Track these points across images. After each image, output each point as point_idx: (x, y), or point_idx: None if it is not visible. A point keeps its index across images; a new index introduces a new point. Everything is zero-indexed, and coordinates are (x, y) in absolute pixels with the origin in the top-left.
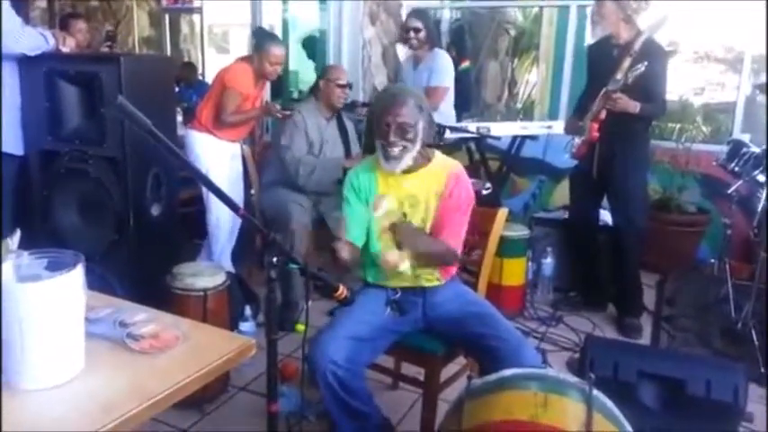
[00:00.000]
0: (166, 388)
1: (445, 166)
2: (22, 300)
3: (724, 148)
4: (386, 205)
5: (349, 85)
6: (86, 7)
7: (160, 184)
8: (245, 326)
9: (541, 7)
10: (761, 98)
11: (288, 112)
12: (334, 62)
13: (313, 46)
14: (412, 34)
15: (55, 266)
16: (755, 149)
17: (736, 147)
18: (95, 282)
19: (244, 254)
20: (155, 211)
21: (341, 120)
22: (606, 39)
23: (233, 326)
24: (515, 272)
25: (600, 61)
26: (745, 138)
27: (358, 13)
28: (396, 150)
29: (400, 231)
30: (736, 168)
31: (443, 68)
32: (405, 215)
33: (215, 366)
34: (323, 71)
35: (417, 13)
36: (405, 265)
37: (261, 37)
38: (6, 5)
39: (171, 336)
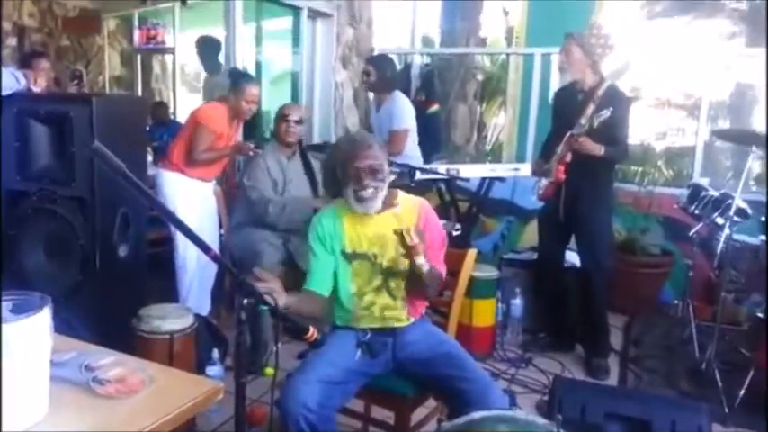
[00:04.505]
0: None
1: (413, 205)
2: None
3: (685, 192)
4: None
5: (301, 121)
6: (57, 47)
7: (128, 224)
8: (213, 369)
9: (508, 54)
10: (719, 143)
11: (260, 151)
12: (307, 103)
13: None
14: (364, 77)
15: (21, 309)
16: (714, 193)
17: (696, 190)
18: (60, 323)
19: (213, 295)
20: (122, 251)
21: (306, 158)
22: (571, 85)
23: (200, 369)
24: (485, 313)
25: (565, 106)
26: (705, 182)
27: (330, 56)
28: (369, 192)
29: (423, 239)
30: (697, 211)
31: (401, 110)
32: (374, 256)
33: (182, 411)
34: (278, 111)
35: (371, 58)
36: (422, 259)
37: (236, 77)
38: None
39: (137, 380)
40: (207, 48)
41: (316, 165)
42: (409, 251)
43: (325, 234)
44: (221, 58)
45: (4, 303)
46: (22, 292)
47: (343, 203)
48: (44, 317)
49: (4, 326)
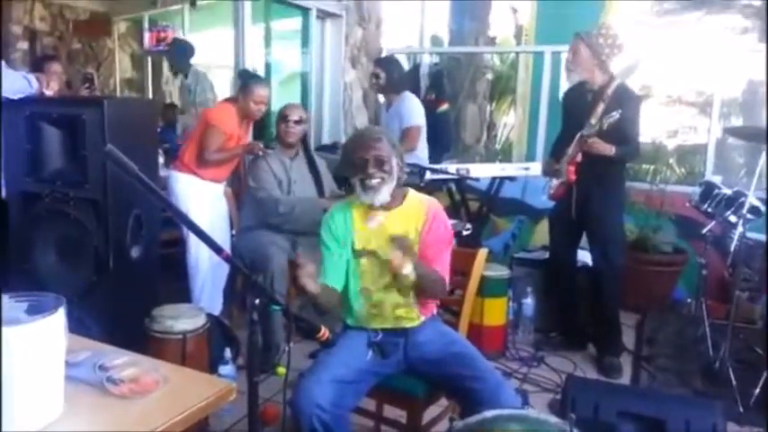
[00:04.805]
0: None
1: (422, 203)
2: (2, 344)
3: (697, 189)
4: (379, 219)
5: (301, 121)
6: (68, 50)
7: (141, 225)
8: (225, 369)
9: (517, 53)
10: (731, 141)
11: (270, 151)
12: (316, 104)
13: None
14: (373, 80)
15: (35, 310)
16: (727, 191)
17: (709, 188)
18: (74, 324)
19: (224, 295)
20: (134, 252)
21: (311, 158)
22: (581, 84)
23: (212, 369)
24: (496, 312)
25: (575, 106)
26: (717, 179)
27: (339, 56)
28: (374, 182)
29: (402, 245)
30: (709, 209)
31: (411, 109)
32: (383, 253)
33: (195, 411)
34: (278, 112)
35: (380, 60)
36: (408, 269)
37: (246, 77)
38: None
39: (150, 380)
40: (177, 51)
41: (322, 164)
42: (392, 262)
43: (337, 228)
44: (192, 61)
45: (20, 304)
46: (38, 293)
47: (353, 200)
48: (59, 318)
49: (19, 327)
